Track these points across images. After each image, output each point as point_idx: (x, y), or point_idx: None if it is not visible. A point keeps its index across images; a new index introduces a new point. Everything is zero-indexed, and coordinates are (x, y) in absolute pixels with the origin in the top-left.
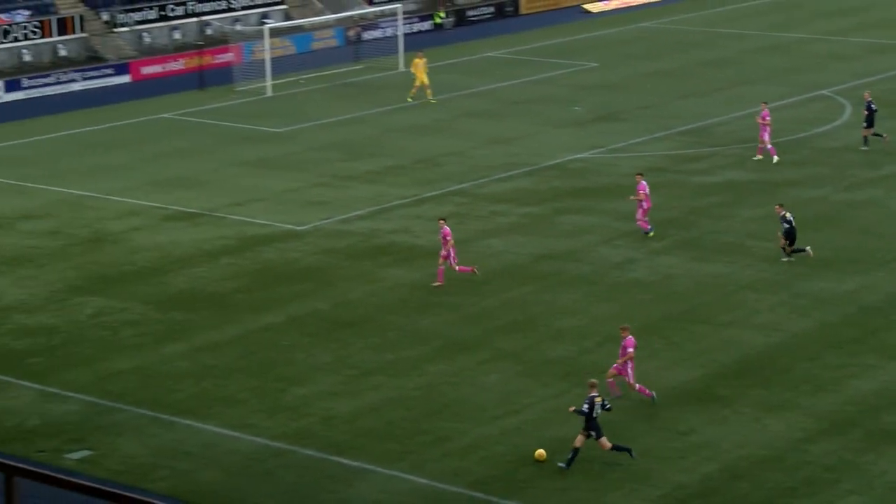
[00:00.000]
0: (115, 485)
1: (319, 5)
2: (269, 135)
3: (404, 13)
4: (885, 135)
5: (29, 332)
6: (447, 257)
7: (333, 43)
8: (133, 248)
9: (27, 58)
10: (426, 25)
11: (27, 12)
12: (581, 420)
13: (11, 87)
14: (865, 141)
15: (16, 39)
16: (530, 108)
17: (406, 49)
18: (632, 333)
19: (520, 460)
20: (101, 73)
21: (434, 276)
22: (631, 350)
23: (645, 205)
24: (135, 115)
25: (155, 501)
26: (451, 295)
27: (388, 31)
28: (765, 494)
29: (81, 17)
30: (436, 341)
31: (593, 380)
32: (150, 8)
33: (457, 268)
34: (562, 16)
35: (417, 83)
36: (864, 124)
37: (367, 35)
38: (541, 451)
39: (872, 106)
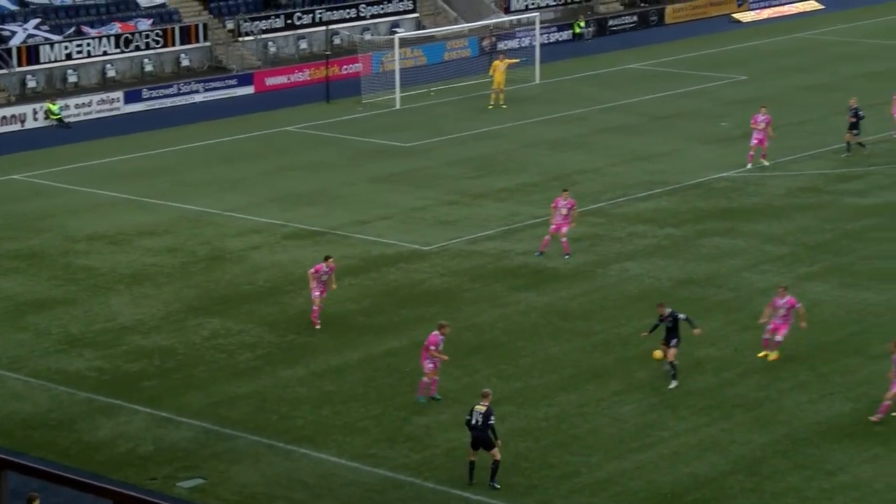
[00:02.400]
0: None
1: (453, 14)
2: (397, 149)
3: (542, 22)
4: (866, 146)
5: (144, 353)
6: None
7: (467, 53)
8: (253, 267)
9: (148, 68)
10: (565, 35)
11: (149, 20)
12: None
13: (132, 97)
14: (848, 147)
15: (137, 48)
16: (674, 123)
17: (543, 60)
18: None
19: (655, 497)
20: (224, 84)
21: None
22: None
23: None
24: (258, 127)
25: None
26: (584, 321)
27: (525, 42)
28: None
29: (205, 26)
30: (567, 369)
31: (486, 389)
32: (277, 16)
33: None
34: (709, 25)
35: (495, 86)
36: (853, 131)
37: (503, 45)
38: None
39: (860, 113)
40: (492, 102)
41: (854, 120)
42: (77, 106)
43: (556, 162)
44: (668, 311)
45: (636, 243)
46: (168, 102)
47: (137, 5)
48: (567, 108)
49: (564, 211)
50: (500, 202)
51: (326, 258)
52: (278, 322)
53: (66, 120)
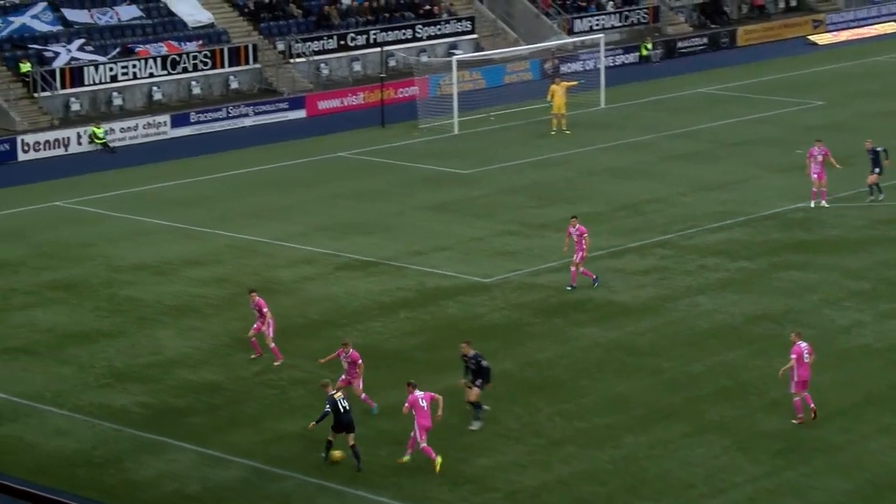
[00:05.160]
0: None
1: (513, 35)
2: (455, 176)
3: (607, 44)
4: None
5: (191, 388)
6: (259, 329)
7: (528, 76)
8: (304, 299)
9: (196, 90)
10: (631, 58)
11: (197, 41)
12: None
13: (179, 122)
14: (871, 190)
15: (185, 70)
16: (746, 151)
17: (608, 84)
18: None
19: None
20: (274, 108)
21: None
22: (361, 362)
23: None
24: (310, 153)
25: None
26: (652, 358)
27: (589, 64)
28: None
29: (255, 47)
30: (635, 409)
31: (325, 380)
32: (329, 37)
33: (271, 345)
34: (784, 48)
35: (555, 111)
36: (876, 170)
37: (566, 68)
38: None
39: (877, 150)
40: (554, 128)
41: (873, 158)
42: (122, 130)
43: (621, 191)
44: (472, 352)
45: (707, 277)
46: (216, 126)
47: (185, 25)
48: (633, 134)
49: (577, 238)
50: (561, 233)
51: (250, 292)
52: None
53: (111, 144)
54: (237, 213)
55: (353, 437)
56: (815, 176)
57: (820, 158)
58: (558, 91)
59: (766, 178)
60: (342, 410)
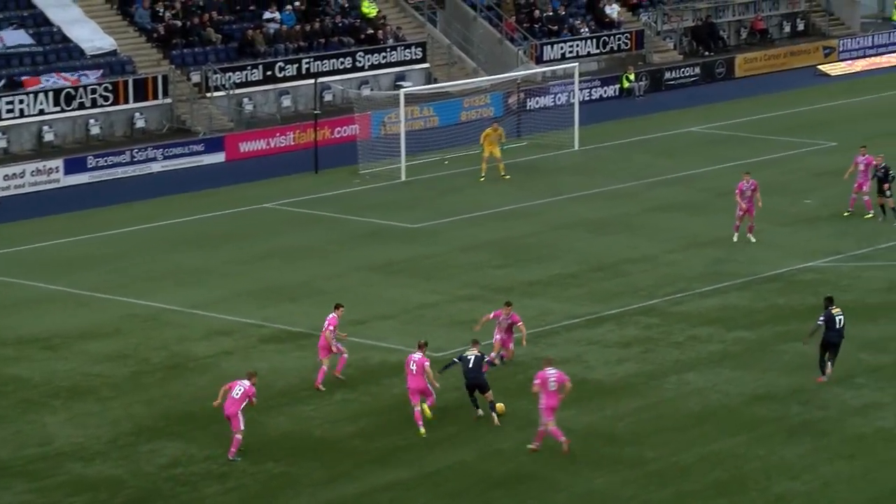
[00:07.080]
0: None
1: (472, 64)
2: (403, 231)
3: (582, 75)
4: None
5: (87, 485)
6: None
7: (488, 113)
8: (221, 377)
9: (95, 130)
10: (610, 91)
11: (97, 72)
12: None
13: (74, 167)
14: (883, 210)
15: (81, 106)
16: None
17: (583, 121)
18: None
19: None
20: (188, 151)
21: None
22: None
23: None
24: (230, 204)
25: None
26: (634, 447)
27: (561, 99)
28: None
29: (165, 79)
30: None
31: None
32: (254, 67)
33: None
34: (790, 79)
35: (486, 155)
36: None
37: (533, 103)
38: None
39: (890, 173)
40: (503, 172)
41: (884, 181)
42: (6, 177)
43: (598, 248)
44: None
45: (699, 350)
46: (119, 173)
47: (82, 53)
48: (612, 181)
49: (506, 325)
50: (529, 298)
51: (337, 306)
52: (254, 447)
53: None
54: (142, 276)
55: None
56: (741, 212)
57: (749, 194)
58: (490, 136)
59: (769, 233)
60: None
